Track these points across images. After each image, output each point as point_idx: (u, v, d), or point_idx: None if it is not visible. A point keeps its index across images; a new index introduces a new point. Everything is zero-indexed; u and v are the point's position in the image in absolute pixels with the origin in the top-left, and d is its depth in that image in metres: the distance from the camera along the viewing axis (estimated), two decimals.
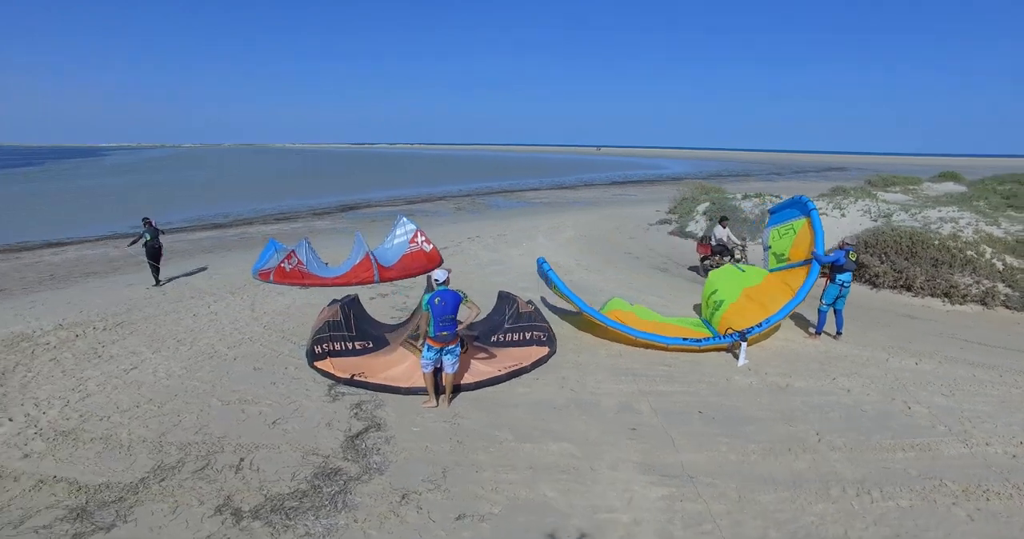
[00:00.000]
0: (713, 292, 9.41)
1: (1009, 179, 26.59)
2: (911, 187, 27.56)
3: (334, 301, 8.87)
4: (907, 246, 12.14)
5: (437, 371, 6.70)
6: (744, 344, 8.04)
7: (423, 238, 13.93)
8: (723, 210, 17.66)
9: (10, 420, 6.24)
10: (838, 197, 18.33)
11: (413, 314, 8.37)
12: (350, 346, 7.82)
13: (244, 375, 7.53)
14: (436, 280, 6.62)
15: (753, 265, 10.83)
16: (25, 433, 5.97)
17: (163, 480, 5.15)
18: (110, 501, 4.85)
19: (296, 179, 55.14)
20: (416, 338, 7.24)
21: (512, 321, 8.49)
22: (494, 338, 8.22)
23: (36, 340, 8.78)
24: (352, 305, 8.52)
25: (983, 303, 10.80)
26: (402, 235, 13.87)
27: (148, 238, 12.16)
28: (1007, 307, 10.57)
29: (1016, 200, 18.67)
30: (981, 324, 9.97)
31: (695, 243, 14.63)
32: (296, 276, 12.16)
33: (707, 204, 20.28)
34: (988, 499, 4.92)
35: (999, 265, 11.31)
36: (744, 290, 9.26)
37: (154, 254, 12.25)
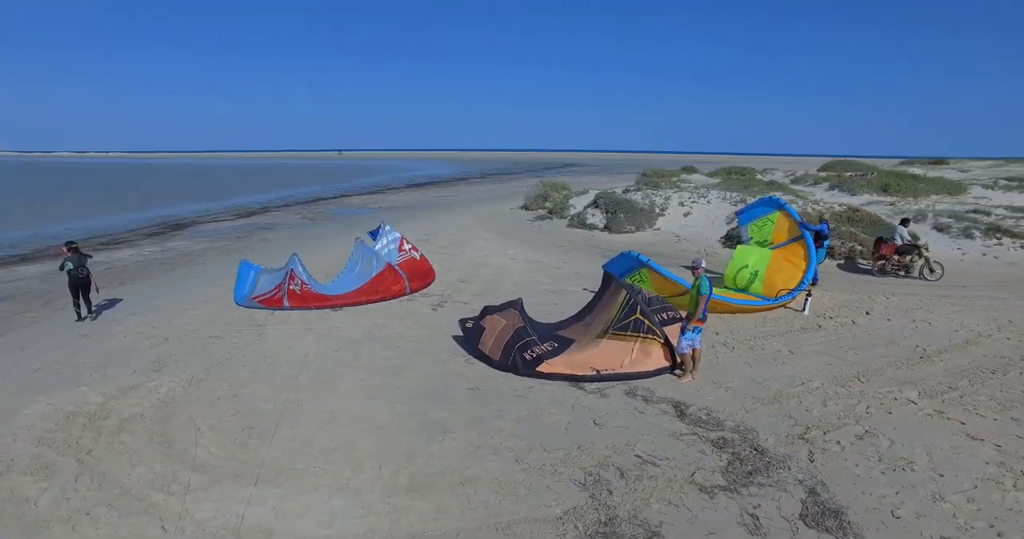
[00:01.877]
0: (744, 266, 11.53)
1: (735, 171, 35.62)
2: (674, 179, 34.75)
3: (488, 309, 8.59)
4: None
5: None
6: (808, 296, 10.41)
7: (409, 245, 13.36)
8: (617, 205, 20.50)
9: None
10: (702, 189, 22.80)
11: (588, 310, 8.63)
12: (546, 347, 7.87)
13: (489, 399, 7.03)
14: (704, 268, 7.36)
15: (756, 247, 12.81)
16: None
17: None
18: None
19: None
20: (629, 327, 7.70)
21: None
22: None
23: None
24: (522, 310, 8.40)
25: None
26: (390, 244, 13.06)
27: (71, 266, 10.28)
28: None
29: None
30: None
31: (874, 241, 14.01)
32: (313, 298, 10.75)
33: (591, 198, 23.01)
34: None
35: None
36: (768, 262, 11.64)
37: (77, 285, 10.42)
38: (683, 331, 7.33)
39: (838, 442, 5.78)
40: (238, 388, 7.29)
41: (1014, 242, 16.01)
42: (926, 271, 12.97)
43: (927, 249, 13.58)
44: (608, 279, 8.57)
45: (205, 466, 5.54)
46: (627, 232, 19.68)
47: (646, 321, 7.72)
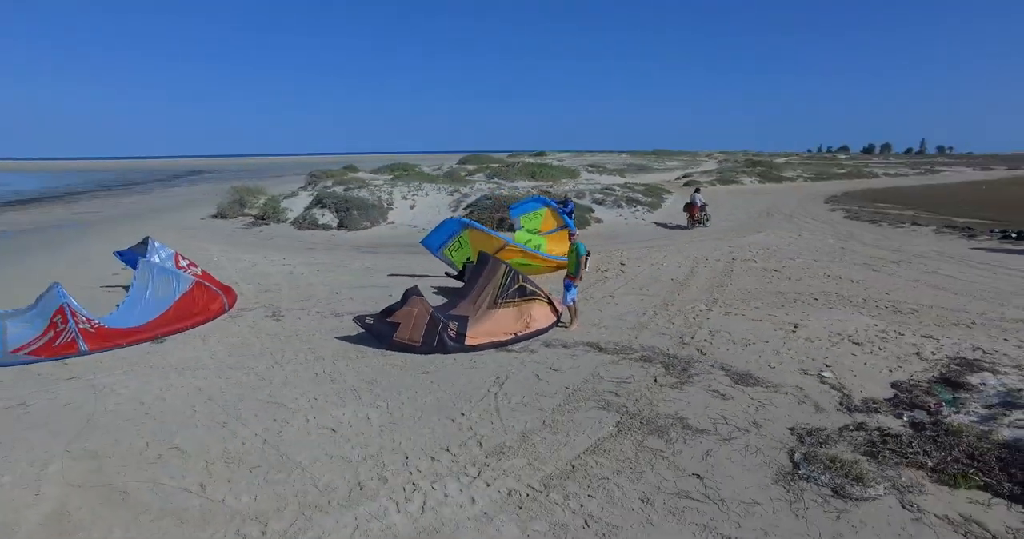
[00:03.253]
0: (528, 241, 13.89)
1: (399, 167, 39.12)
2: (346, 177, 36.10)
3: (390, 308, 8.43)
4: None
5: None
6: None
7: (186, 261, 11.20)
8: (348, 202, 20.51)
9: None
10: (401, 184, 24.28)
11: (469, 290, 9.27)
12: (455, 326, 8.43)
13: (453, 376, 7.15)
14: (578, 234, 8.91)
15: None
16: None
17: None
18: None
19: None
20: (517, 294, 8.90)
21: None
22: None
23: None
24: (420, 295, 8.56)
25: None
26: (165, 262, 10.68)
27: None
28: None
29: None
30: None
31: (684, 205, 21.18)
32: (119, 334, 8.34)
33: (308, 198, 22.09)
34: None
35: None
36: (545, 242, 14.20)
37: None
38: (568, 288, 8.97)
39: (705, 340, 8.38)
40: (161, 467, 5.62)
41: (644, 208, 22.83)
42: (707, 222, 20.36)
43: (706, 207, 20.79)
44: (484, 258, 9.51)
45: None
46: (364, 228, 19.99)
47: (528, 285, 9.06)
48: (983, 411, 5.58)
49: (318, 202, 21.35)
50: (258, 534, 4.35)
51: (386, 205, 21.44)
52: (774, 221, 21.42)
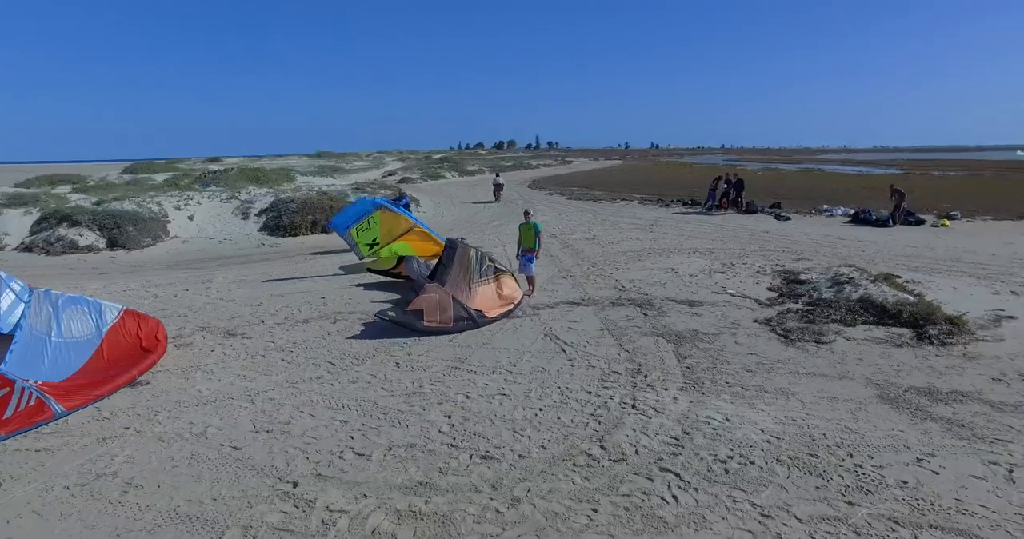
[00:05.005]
0: (376, 238, 13.78)
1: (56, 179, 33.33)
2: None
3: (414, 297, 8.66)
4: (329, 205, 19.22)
5: None
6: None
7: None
8: (115, 217, 16.78)
9: None
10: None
11: (442, 275, 9.89)
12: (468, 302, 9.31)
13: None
14: (533, 213, 10.47)
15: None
16: None
17: None
18: None
19: None
20: (489, 272, 10.14)
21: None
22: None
23: None
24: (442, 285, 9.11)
25: None
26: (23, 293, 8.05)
27: None
28: None
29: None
30: None
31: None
32: (89, 386, 6.52)
33: (32, 215, 16.95)
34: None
35: None
36: (410, 246, 14.19)
37: None
38: (531, 261, 10.60)
39: (633, 287, 11.15)
40: None
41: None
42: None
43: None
44: (452, 244, 10.30)
45: None
46: (148, 246, 16.76)
47: (494, 264, 10.37)
48: (831, 288, 9.71)
49: (64, 220, 16.68)
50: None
51: (162, 218, 18.15)
52: (531, 207, 25.88)
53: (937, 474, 4.70)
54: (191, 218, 19.06)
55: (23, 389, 6.02)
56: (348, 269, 13.13)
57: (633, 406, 6.12)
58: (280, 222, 18.65)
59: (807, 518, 4.17)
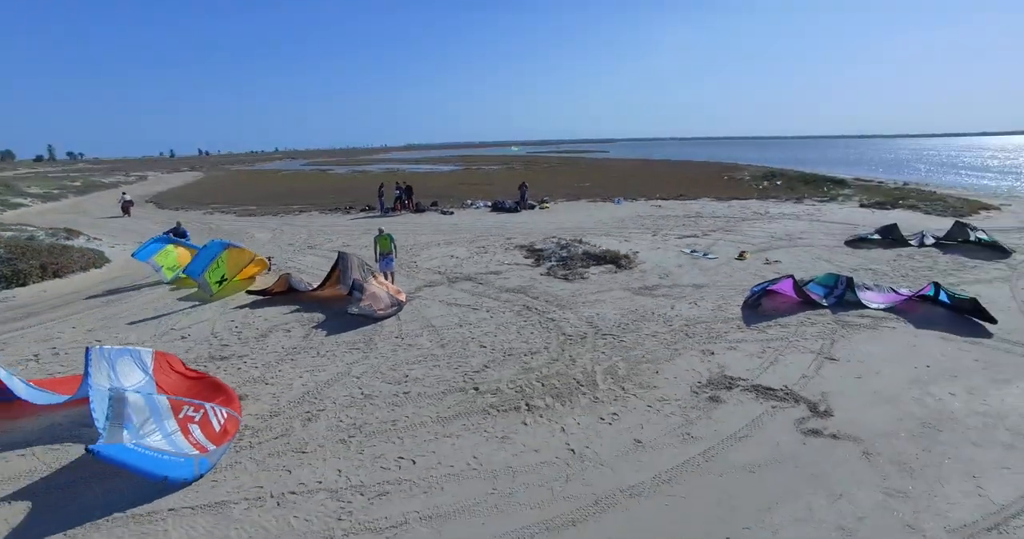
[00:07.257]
0: (224, 275, 14.58)
1: None
2: None
3: (357, 284, 11.69)
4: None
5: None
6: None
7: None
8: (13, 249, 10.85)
9: None
10: None
11: (340, 276, 12.69)
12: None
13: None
14: (383, 229, 14.06)
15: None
16: None
17: None
18: None
19: None
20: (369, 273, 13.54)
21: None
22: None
23: None
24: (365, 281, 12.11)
25: None
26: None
27: None
28: None
29: None
30: None
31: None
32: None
33: None
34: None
35: None
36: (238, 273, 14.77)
37: None
38: (390, 261, 14.27)
39: (455, 266, 16.10)
40: None
41: None
42: None
43: None
44: (343, 256, 13.18)
45: None
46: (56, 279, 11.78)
47: (370, 267, 13.79)
48: (562, 250, 16.99)
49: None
50: None
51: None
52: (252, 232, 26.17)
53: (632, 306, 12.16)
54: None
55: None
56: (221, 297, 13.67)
57: (550, 318, 11.77)
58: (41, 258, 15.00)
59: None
